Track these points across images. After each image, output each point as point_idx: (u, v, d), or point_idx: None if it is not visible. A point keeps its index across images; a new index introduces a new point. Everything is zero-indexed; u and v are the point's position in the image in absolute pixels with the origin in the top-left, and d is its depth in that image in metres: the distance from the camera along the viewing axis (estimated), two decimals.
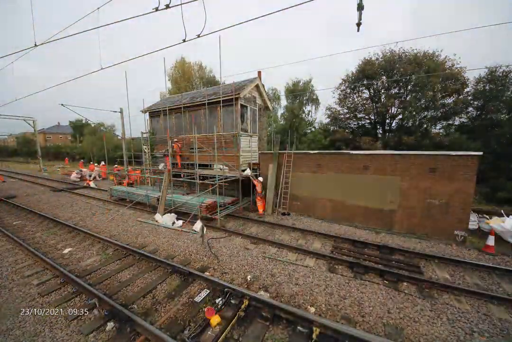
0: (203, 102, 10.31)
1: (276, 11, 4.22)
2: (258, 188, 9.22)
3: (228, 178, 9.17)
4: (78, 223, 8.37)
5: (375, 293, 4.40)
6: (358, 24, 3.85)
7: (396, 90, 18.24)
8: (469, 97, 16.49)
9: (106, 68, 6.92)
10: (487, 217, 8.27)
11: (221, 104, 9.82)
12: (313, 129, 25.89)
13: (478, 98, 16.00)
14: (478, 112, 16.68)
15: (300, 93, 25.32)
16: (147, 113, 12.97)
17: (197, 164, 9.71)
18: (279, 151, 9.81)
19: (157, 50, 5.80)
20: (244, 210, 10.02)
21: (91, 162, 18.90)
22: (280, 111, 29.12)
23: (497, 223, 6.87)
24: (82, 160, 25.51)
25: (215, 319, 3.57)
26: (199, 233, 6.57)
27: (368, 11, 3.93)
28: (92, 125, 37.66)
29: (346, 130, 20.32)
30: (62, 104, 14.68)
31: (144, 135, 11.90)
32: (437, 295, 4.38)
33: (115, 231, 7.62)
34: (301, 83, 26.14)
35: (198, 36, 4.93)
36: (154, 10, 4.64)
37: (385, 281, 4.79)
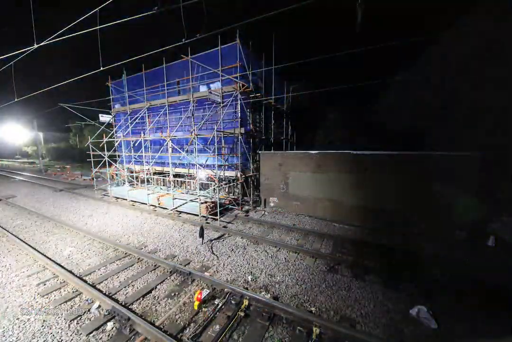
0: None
1: (275, 12, 4.21)
2: None
3: (228, 177, 9.17)
4: (77, 223, 8.38)
5: (375, 292, 4.41)
6: (358, 24, 3.85)
7: None
8: None
9: (106, 68, 6.91)
10: None
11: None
12: None
13: None
14: None
15: (302, 92, 25.26)
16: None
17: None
18: (280, 151, 9.82)
19: (157, 51, 5.79)
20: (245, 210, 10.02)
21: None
22: None
23: None
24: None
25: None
26: (199, 233, 6.56)
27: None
28: (93, 124, 37.52)
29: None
30: (60, 104, 14.62)
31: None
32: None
33: (116, 230, 7.63)
34: None
35: (198, 36, 4.92)
36: (154, 10, 4.63)
37: (385, 281, 4.78)
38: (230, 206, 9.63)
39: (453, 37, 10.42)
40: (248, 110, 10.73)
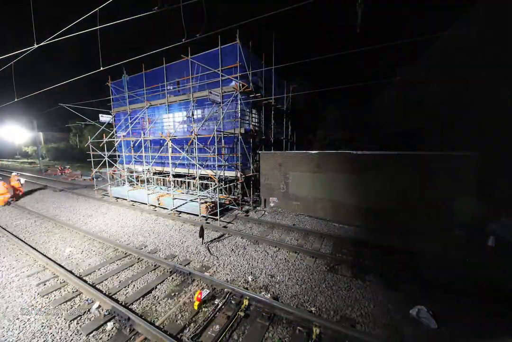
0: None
1: (275, 12, 4.21)
2: None
3: (228, 177, 9.16)
4: (77, 223, 8.38)
5: (375, 292, 4.41)
6: (358, 24, 3.84)
7: None
8: None
9: (106, 68, 6.91)
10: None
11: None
12: None
13: None
14: None
15: (303, 92, 25.31)
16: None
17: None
18: (280, 151, 9.81)
19: (157, 51, 5.79)
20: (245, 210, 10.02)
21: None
22: None
23: None
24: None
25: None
26: (199, 233, 6.56)
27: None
28: (93, 124, 37.46)
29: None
30: (60, 104, 14.59)
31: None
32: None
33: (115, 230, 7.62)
34: None
35: (198, 36, 4.92)
36: (154, 10, 4.62)
37: (385, 281, 4.78)
38: (230, 206, 9.63)
39: (452, 37, 10.43)
40: (248, 110, 10.73)
